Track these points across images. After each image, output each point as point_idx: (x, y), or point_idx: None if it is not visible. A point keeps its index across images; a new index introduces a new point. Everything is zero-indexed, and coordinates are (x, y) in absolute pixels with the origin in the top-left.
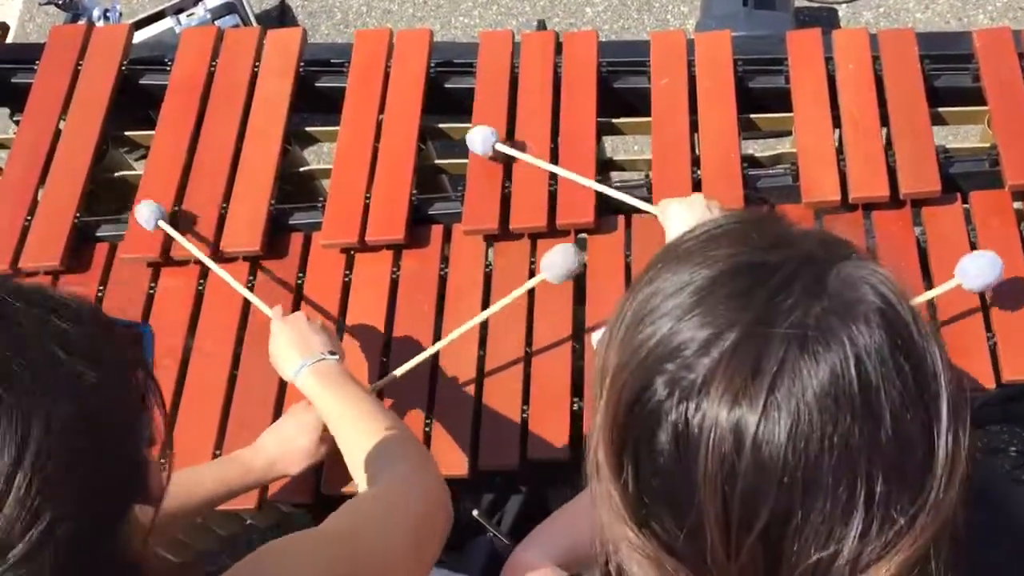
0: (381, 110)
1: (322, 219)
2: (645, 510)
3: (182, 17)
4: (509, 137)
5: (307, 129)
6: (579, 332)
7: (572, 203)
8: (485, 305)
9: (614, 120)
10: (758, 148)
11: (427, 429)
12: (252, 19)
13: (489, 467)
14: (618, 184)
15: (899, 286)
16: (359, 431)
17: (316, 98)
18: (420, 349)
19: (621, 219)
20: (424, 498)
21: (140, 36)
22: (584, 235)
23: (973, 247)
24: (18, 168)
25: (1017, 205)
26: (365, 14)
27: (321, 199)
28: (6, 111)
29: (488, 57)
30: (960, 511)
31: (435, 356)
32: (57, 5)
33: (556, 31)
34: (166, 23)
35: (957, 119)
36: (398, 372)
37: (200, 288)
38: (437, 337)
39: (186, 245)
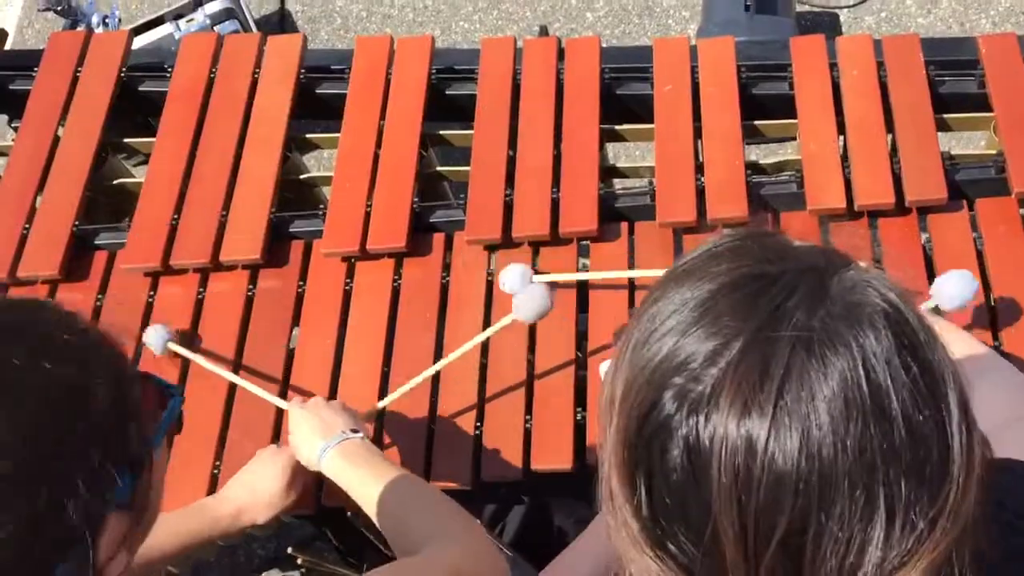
0: (382, 117)
1: (323, 227)
2: (661, 531)
3: (181, 23)
4: (512, 143)
5: (308, 136)
6: (582, 341)
7: (575, 211)
8: (487, 314)
9: (617, 127)
10: (760, 153)
11: (429, 440)
12: (252, 24)
13: (492, 479)
14: (621, 191)
15: (901, 289)
16: (395, 508)
17: (317, 105)
18: (421, 358)
19: (624, 227)
20: (474, 561)
21: (139, 42)
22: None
23: (979, 255)
24: (16, 175)
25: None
26: (365, 19)
27: (322, 206)
28: (4, 118)
29: (490, 63)
30: (979, 513)
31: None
32: (56, 11)
33: (558, 37)
34: (165, 29)
35: (962, 125)
36: (396, 395)
37: (200, 296)
38: (439, 346)
39: (201, 363)
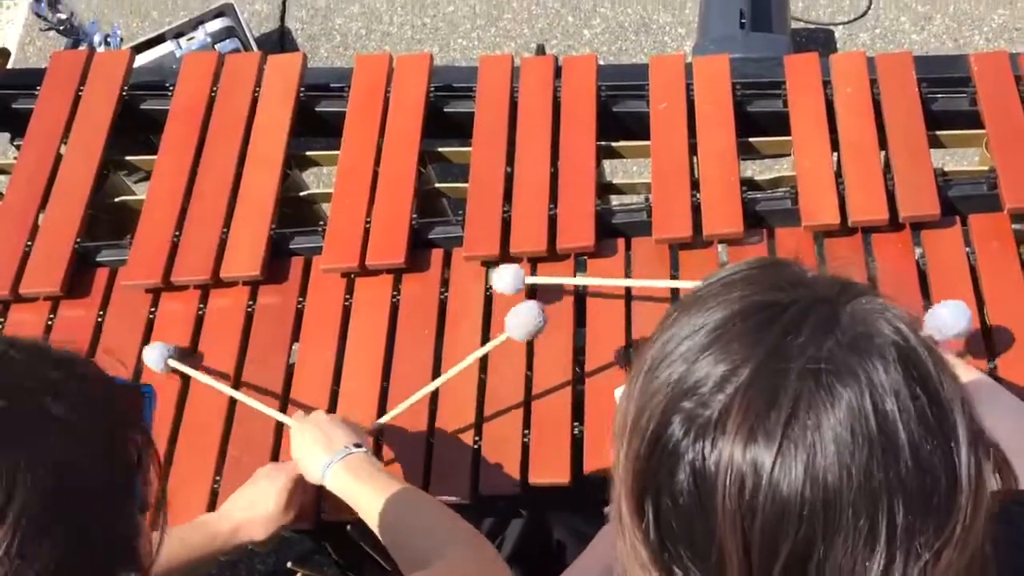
0: (381, 134)
1: (322, 243)
2: (668, 555)
3: (182, 41)
4: (509, 160)
5: (307, 153)
6: (579, 356)
7: (572, 227)
8: (485, 329)
9: (614, 144)
10: (756, 169)
11: (428, 454)
12: (252, 42)
13: (490, 492)
14: (618, 207)
15: (912, 320)
16: (400, 522)
17: (316, 122)
18: (420, 373)
19: (621, 242)
20: (482, 574)
21: (140, 60)
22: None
23: (972, 271)
24: (19, 193)
25: (1016, 227)
26: (364, 36)
27: (321, 223)
28: (7, 136)
29: (488, 81)
30: (988, 545)
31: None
32: (58, 30)
33: (555, 55)
34: (166, 47)
35: (955, 142)
36: (397, 411)
37: (200, 313)
38: (437, 361)
39: (201, 379)
